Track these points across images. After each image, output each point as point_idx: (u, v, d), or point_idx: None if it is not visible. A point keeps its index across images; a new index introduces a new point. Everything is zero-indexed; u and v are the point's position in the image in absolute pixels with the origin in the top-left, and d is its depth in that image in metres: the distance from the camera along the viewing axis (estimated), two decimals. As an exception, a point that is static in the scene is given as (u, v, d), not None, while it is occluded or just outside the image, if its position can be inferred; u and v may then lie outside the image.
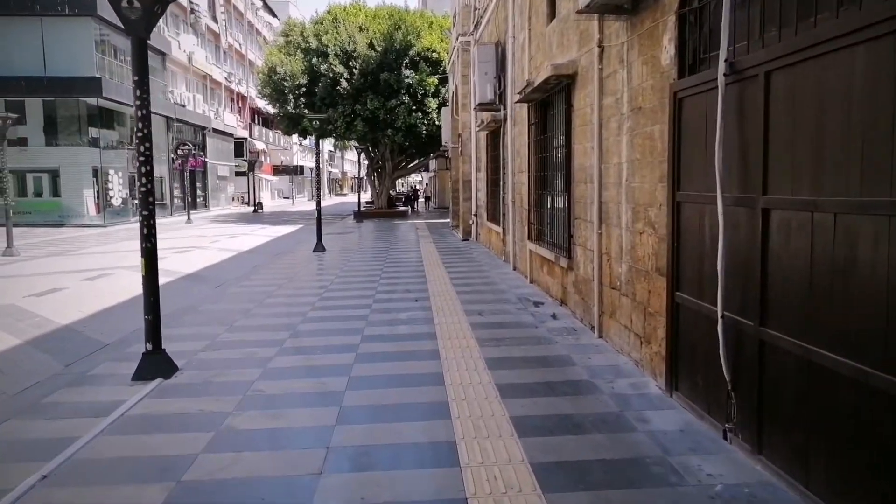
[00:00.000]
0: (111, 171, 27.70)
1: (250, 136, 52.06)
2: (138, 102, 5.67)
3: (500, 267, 12.32)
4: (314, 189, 57.19)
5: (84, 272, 13.14)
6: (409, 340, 6.76)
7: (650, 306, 5.27)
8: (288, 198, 66.77)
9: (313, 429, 4.42)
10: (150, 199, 5.72)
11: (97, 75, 26.32)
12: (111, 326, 7.93)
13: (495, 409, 4.64)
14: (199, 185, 40.83)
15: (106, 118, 28.71)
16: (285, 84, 28.90)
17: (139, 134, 5.66)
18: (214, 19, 43.94)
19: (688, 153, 4.55)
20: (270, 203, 61.39)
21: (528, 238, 10.12)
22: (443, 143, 23.72)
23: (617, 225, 6.07)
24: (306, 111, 28.86)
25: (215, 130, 42.67)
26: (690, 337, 4.54)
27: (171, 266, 14.02)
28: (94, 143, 27.59)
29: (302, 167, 76.69)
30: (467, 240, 18.09)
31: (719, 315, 3.89)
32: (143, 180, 5.65)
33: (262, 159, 58.53)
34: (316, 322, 7.80)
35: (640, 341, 5.52)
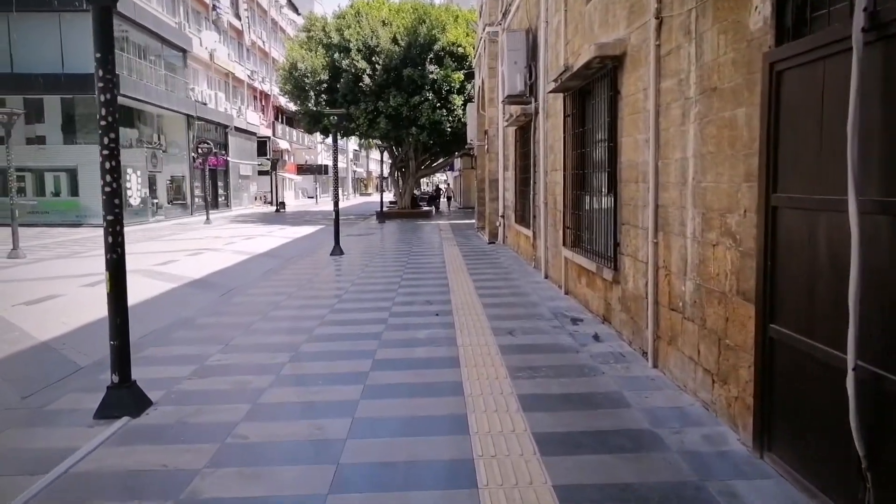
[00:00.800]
0: (129, 170, 27.11)
1: (274, 134, 51.52)
2: (101, 84, 4.76)
3: (531, 274, 11.26)
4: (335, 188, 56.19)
5: (86, 276, 12.36)
6: (428, 368, 5.75)
7: (727, 337, 4.19)
8: (312, 197, 66.29)
9: (297, 500, 3.43)
10: (116, 200, 4.79)
11: (116, 72, 25.66)
12: (93, 344, 7.03)
13: (534, 475, 3.60)
14: (220, 184, 40.30)
15: (125, 116, 28.12)
16: (306, 80, 28.09)
17: (103, 122, 4.74)
18: (237, 16, 43.39)
19: (790, 143, 3.46)
20: (294, 202, 60.89)
21: (564, 244, 9.05)
22: (468, 141, 22.69)
23: (679, 234, 4.99)
24: (327, 108, 28.01)
25: (237, 129, 42.12)
26: (793, 385, 3.45)
27: (178, 271, 13.18)
28: (113, 141, 26.96)
29: (326, 166, 76.25)
30: (493, 242, 17.04)
31: (850, 365, 2.81)
32: (108, 178, 4.72)
33: (286, 158, 58.02)
34: (323, 341, 6.83)
35: (711, 379, 4.44)
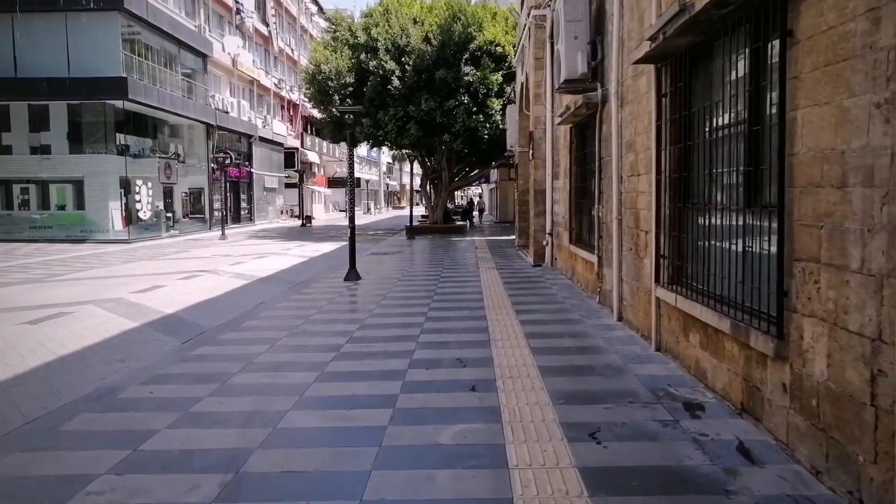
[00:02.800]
0: (139, 182, 25.09)
1: (302, 146, 49.56)
2: None
3: (596, 313, 8.51)
4: (370, 202, 54.26)
5: (42, 309, 10.05)
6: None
7: None
8: (344, 210, 64.30)
9: None
10: None
11: (123, 75, 23.75)
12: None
13: None
14: (243, 196, 38.30)
15: (135, 123, 26.20)
16: (330, 84, 25.80)
17: None
18: (264, 22, 41.58)
19: None
20: (324, 216, 58.90)
21: (657, 280, 6.30)
22: (508, 147, 20.04)
23: None
24: (362, 119, 25.64)
25: (262, 139, 40.16)
26: None
27: (153, 301, 10.75)
28: (123, 150, 25.05)
29: (359, 179, 74.41)
30: (540, 265, 14.31)
31: None
32: None
33: (315, 170, 56.11)
34: (289, 448, 4.21)
35: None
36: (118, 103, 24.12)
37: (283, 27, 45.67)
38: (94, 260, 18.20)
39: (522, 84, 17.02)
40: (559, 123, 11.50)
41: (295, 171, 45.04)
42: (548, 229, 14.06)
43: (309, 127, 51.62)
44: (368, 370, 6.05)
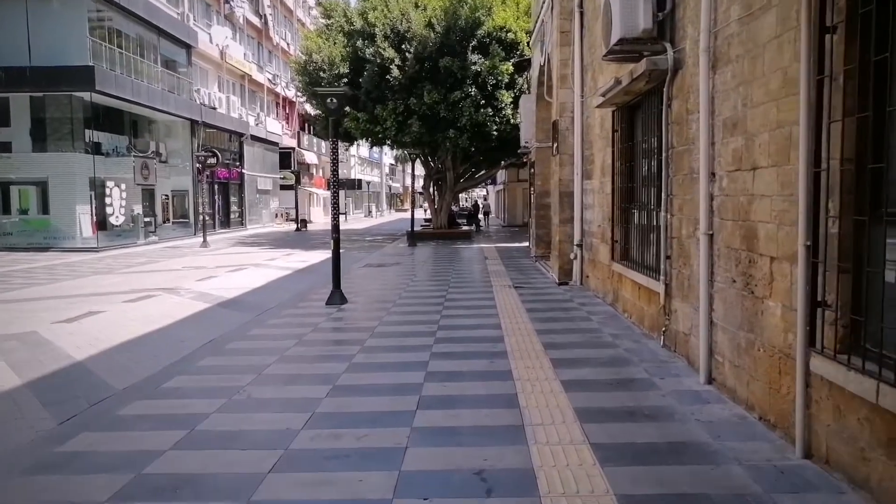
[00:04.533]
0: (110, 184, 22.60)
1: (299, 145, 47.09)
2: None
3: (669, 368, 5.99)
4: (371, 204, 51.84)
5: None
6: None
7: None
8: (345, 213, 61.69)
9: None
10: None
11: (90, 64, 21.27)
12: None
13: None
14: (234, 199, 35.82)
15: (107, 119, 23.73)
16: (322, 74, 23.31)
17: None
18: (258, 14, 39.10)
19: None
20: (322, 219, 56.34)
21: (818, 347, 3.76)
22: (522, 143, 17.52)
23: None
24: (347, 107, 23.13)
25: (255, 138, 37.68)
26: None
27: (65, 340, 8.24)
28: (93, 148, 22.58)
29: (360, 181, 71.81)
30: (566, 283, 11.79)
31: None
32: None
33: (314, 172, 53.66)
34: None
35: None
36: (85, 95, 21.63)
37: (278, 20, 43.21)
38: (43, 273, 15.73)
39: (541, 67, 14.51)
40: (598, 106, 8.96)
41: (291, 172, 42.54)
42: (576, 240, 11.53)
43: (306, 126, 49.13)
44: (337, 479, 3.56)
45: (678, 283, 6.25)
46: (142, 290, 12.49)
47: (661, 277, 6.64)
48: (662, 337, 6.69)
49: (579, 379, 5.67)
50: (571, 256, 11.75)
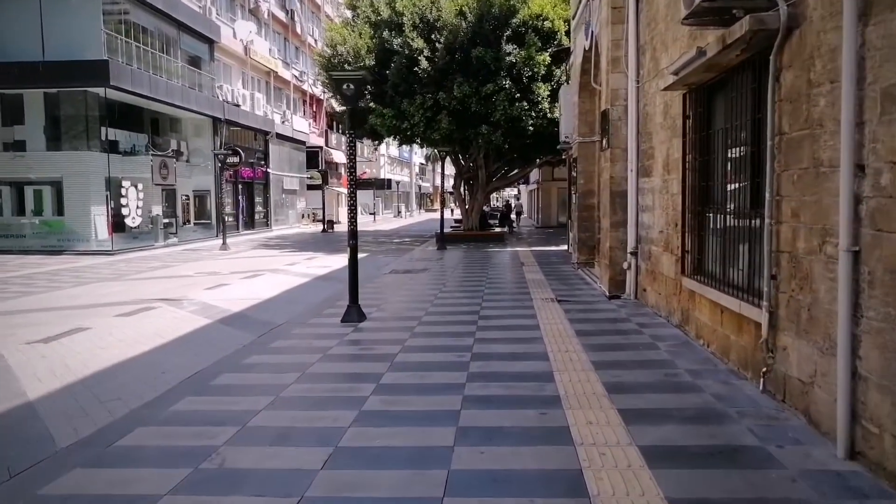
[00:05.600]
0: (126, 184, 21.58)
1: (326, 144, 46.03)
2: None
3: (776, 423, 4.47)
4: (401, 204, 50.48)
5: None
6: None
7: None
8: (374, 213, 60.48)
9: None
10: None
11: (104, 58, 20.25)
12: None
13: None
14: (258, 199, 34.77)
15: (125, 116, 22.74)
16: (347, 67, 21.98)
17: None
18: (284, 8, 38.04)
19: None
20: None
21: None
22: (562, 138, 15.97)
23: None
24: (371, 103, 21.83)
25: (281, 136, 36.62)
26: None
27: (28, 370, 6.93)
28: (110, 147, 21.62)
29: (389, 181, 70.59)
30: (618, 297, 10.25)
31: None
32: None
33: (342, 171, 52.60)
34: None
35: None
36: (100, 91, 20.63)
37: (306, 15, 42.13)
38: (44, 280, 14.65)
39: (585, 52, 12.98)
40: (666, 88, 7.42)
41: (318, 171, 41.41)
42: (630, 247, 9.99)
43: (334, 124, 48.04)
44: None
45: (790, 313, 4.72)
46: (142, 302, 11.27)
47: (763, 302, 5.10)
48: (763, 380, 5.16)
49: (665, 445, 4.17)
50: (624, 266, 10.21)
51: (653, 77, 8.92)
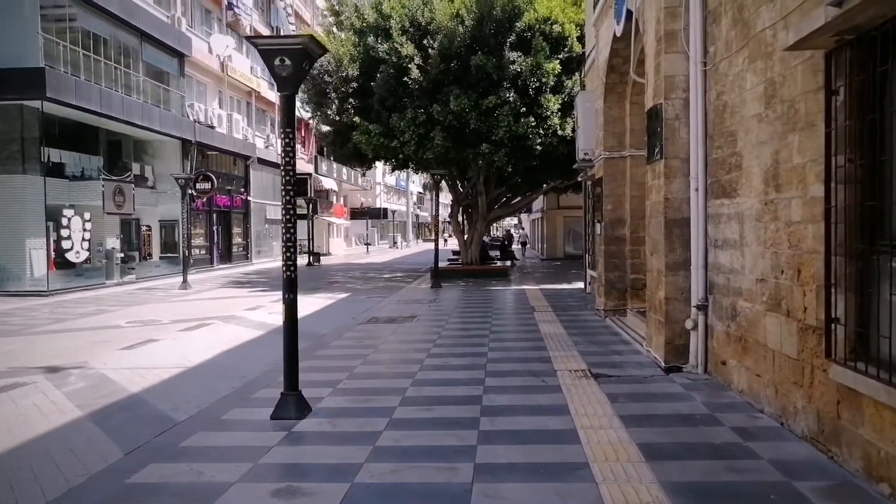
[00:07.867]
0: (69, 212, 18.58)
1: (316, 171, 43.14)
2: None
3: None
4: (397, 235, 47.17)
5: None
6: None
7: None
8: (368, 244, 57.40)
9: None
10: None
11: (41, 65, 17.38)
12: None
13: None
14: (237, 230, 31.77)
15: (73, 136, 19.83)
16: (328, 79, 19.19)
17: None
18: (269, 24, 35.49)
19: None
20: (343, 251, 52.29)
21: None
22: (579, 155, 13.01)
23: None
24: (356, 118, 18.95)
25: (263, 161, 33.76)
26: None
27: None
28: (52, 169, 18.68)
29: (386, 210, 67.69)
30: (679, 368, 7.19)
31: None
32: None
33: (333, 199, 49.75)
34: None
35: None
36: (37, 105, 17.74)
37: (290, 32, 39.56)
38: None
39: (616, 39, 10.09)
40: (796, 45, 4.43)
41: (306, 199, 38.42)
42: (697, 299, 6.96)
43: (324, 150, 45.22)
44: None
45: None
46: (10, 374, 8.18)
47: None
48: None
49: None
50: (687, 325, 7.15)
51: (736, 50, 5.99)
